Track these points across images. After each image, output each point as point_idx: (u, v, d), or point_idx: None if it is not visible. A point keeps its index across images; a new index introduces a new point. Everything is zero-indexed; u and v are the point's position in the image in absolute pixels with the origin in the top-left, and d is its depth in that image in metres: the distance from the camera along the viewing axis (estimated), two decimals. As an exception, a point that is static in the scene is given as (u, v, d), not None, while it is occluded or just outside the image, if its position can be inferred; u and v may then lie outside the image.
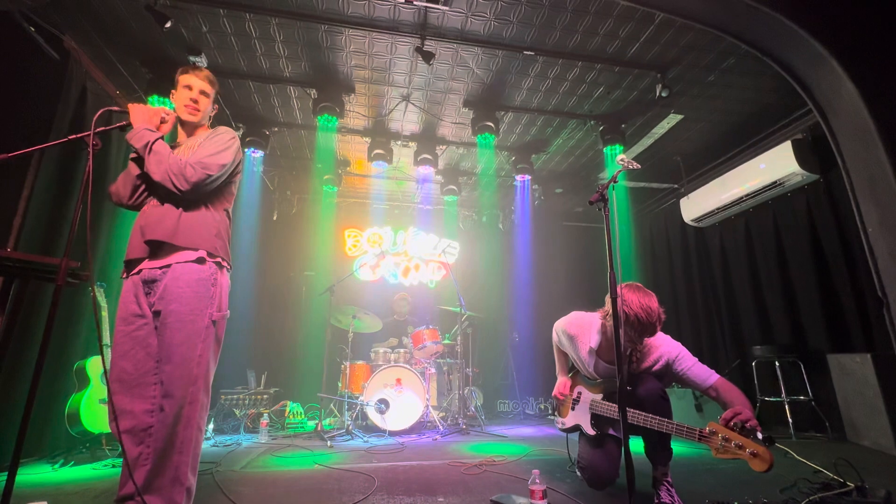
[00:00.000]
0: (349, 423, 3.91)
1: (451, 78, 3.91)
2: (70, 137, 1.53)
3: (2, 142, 2.66)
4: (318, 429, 3.91)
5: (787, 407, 3.77)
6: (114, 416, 1.56)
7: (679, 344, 2.13)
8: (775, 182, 4.19)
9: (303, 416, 4.62)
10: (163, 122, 1.79)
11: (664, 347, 2.11)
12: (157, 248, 1.67)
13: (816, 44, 2.30)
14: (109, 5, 3.06)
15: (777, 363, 3.95)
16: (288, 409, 4.55)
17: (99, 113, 1.58)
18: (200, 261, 1.65)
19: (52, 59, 3.02)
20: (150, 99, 3.58)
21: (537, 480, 1.81)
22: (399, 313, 5.39)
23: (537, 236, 6.43)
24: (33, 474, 2.56)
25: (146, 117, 1.72)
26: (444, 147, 5.05)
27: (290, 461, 2.92)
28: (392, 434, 3.86)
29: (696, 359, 2.09)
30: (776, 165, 4.14)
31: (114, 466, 2.74)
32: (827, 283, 3.92)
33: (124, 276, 1.72)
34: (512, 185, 5.88)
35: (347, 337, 4.46)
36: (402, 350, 4.58)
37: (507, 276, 6.63)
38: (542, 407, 5.72)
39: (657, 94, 3.69)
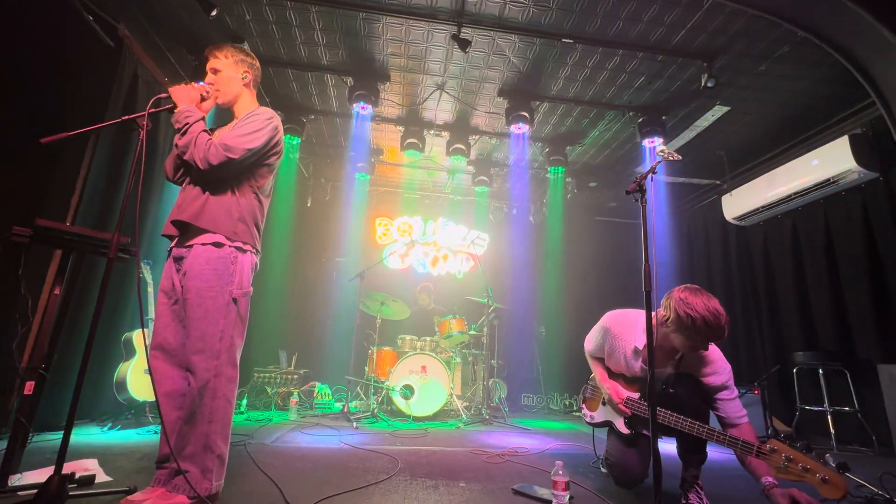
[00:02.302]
0: (374, 406, 3.99)
1: (486, 66, 3.87)
2: (124, 118, 1.62)
3: (60, 124, 2.83)
4: (345, 410, 4.02)
5: (829, 417, 3.59)
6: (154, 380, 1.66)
7: (730, 367, 2.00)
8: (829, 180, 3.94)
9: (330, 397, 4.75)
10: (203, 99, 1.83)
11: (719, 371, 1.97)
12: (185, 229, 1.74)
13: (883, 29, 2.13)
14: (160, -6, 3.19)
15: (821, 371, 3.75)
16: (316, 390, 4.69)
17: (152, 101, 1.67)
18: (217, 245, 1.69)
19: (107, 46, 3.18)
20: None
21: (560, 472, 1.79)
22: (423, 303, 5.43)
23: (568, 230, 6.31)
24: (84, 435, 2.76)
25: (187, 96, 1.76)
26: (477, 137, 5.02)
27: (317, 439, 3.02)
28: (416, 420, 3.92)
29: (738, 392, 2.00)
30: (831, 162, 3.89)
31: (155, 433, 2.92)
32: (881, 289, 3.67)
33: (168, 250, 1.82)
34: (544, 178, 5.79)
35: (375, 323, 4.54)
36: (428, 338, 4.62)
37: (536, 269, 6.55)
38: (567, 403, 5.67)
39: (702, 84, 3.52)
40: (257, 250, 1.84)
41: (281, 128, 1.89)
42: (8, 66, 2.76)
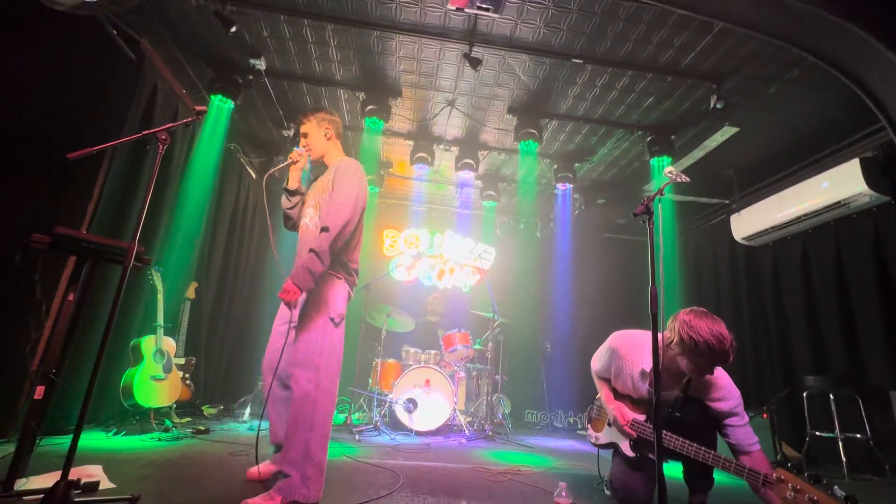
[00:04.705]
0: (377, 419, 3.98)
1: (496, 84, 3.93)
2: (146, 132, 1.67)
3: (81, 132, 2.91)
4: (347, 422, 4.00)
5: (840, 444, 3.51)
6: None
7: (738, 393, 1.98)
8: (839, 202, 3.91)
9: (333, 408, 4.73)
10: (295, 162, 2.21)
11: (727, 397, 1.95)
12: None
13: (893, 56, 2.14)
14: (183, 11, 3.29)
15: (832, 396, 3.67)
16: (320, 401, 4.68)
17: (173, 125, 1.74)
18: (326, 277, 2.02)
19: (129, 59, 3.28)
20: (212, 97, 3.81)
21: (564, 493, 1.78)
22: (433, 313, 5.43)
23: (576, 247, 6.30)
24: (89, 440, 2.77)
25: (302, 283, 1.91)
26: (486, 152, 5.06)
27: (319, 451, 3.01)
28: (418, 434, 3.89)
29: (748, 418, 1.99)
30: (841, 184, 3.87)
31: (160, 440, 2.92)
32: (893, 314, 3.61)
33: None
34: (552, 194, 5.80)
35: (380, 334, 4.54)
36: (432, 351, 4.61)
37: (543, 285, 6.54)
38: (572, 421, 5.59)
39: (711, 105, 3.54)
40: (352, 282, 2.15)
41: (365, 182, 2.14)
42: (31, 74, 2.86)
